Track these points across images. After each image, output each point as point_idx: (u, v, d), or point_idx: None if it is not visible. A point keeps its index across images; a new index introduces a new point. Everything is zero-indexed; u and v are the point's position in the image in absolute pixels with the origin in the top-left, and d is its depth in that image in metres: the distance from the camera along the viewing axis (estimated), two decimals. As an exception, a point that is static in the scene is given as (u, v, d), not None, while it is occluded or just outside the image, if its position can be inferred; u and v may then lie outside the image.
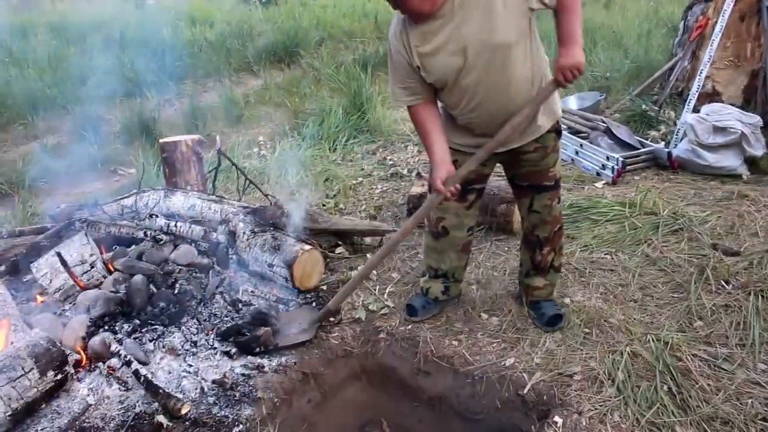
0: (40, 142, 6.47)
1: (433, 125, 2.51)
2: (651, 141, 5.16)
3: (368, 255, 3.64)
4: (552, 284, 2.94)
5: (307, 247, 3.25)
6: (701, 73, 5.09)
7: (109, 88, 7.07)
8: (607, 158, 4.71)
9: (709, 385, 2.38)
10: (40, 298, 3.12)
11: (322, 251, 3.44)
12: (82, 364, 2.65)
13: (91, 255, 3.28)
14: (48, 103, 7.26)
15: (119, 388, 2.53)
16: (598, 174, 4.73)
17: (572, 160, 5.09)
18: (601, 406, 2.33)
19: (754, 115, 4.63)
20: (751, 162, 4.49)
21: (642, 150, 4.91)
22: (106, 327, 2.87)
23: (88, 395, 2.49)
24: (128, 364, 2.55)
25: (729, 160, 4.45)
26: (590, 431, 2.24)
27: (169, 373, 2.64)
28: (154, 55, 8.19)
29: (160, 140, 4.39)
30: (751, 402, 2.29)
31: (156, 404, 2.41)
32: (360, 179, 5.07)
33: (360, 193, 4.79)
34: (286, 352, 2.81)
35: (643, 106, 5.84)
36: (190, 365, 2.68)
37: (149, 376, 2.51)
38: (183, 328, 2.90)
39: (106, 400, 2.47)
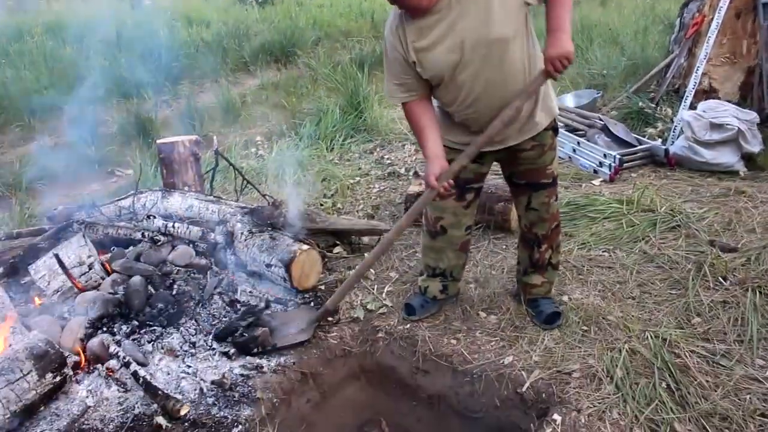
0: (37, 143, 6.46)
1: (427, 121, 2.51)
2: (648, 138, 5.17)
3: (366, 254, 3.63)
4: (550, 282, 2.94)
5: (305, 247, 3.25)
6: (697, 70, 5.10)
7: (105, 89, 7.06)
8: (605, 156, 4.71)
9: (707, 381, 2.39)
10: (38, 300, 3.11)
11: (320, 251, 3.44)
12: (81, 365, 2.65)
13: (89, 256, 3.28)
14: (45, 105, 7.25)
15: (118, 390, 2.53)
16: (595, 171, 4.73)
17: (569, 157, 5.09)
18: (599, 403, 2.34)
19: (750, 111, 4.64)
20: (747, 158, 4.51)
21: (639, 147, 4.92)
22: (105, 328, 2.86)
23: (87, 397, 2.49)
24: (127, 365, 2.55)
25: (726, 157, 4.46)
26: (589, 429, 2.24)
27: (168, 374, 2.63)
28: (150, 55, 8.19)
29: (157, 141, 4.39)
30: (750, 398, 2.29)
31: (155, 405, 2.41)
32: (357, 179, 5.07)
33: (357, 193, 4.79)
34: (285, 352, 2.81)
35: (640, 104, 5.85)
36: (189, 366, 2.68)
37: (148, 377, 2.50)
38: (181, 329, 2.90)
39: (105, 402, 2.47)
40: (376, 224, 3.88)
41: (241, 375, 2.64)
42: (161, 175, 4.31)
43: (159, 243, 3.52)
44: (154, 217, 3.64)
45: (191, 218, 3.73)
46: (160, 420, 2.35)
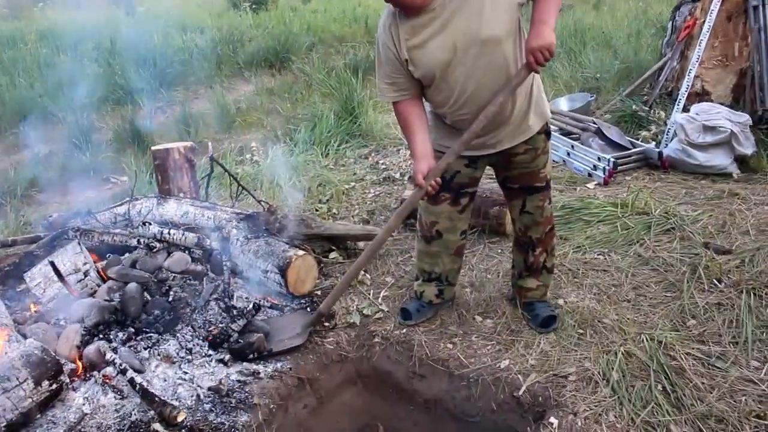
0: (32, 151, 6.44)
1: (416, 120, 2.52)
2: (642, 141, 5.19)
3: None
4: (545, 285, 2.95)
5: (301, 252, 3.25)
6: (690, 72, 5.14)
7: (100, 95, 7.04)
8: (599, 159, 4.73)
9: (703, 383, 2.40)
10: (33, 308, 3.10)
11: (315, 256, 3.44)
12: (77, 373, 2.64)
13: (85, 264, 3.27)
14: (39, 112, 7.23)
15: (115, 397, 2.52)
16: (589, 175, 4.75)
17: (563, 161, 5.11)
18: (596, 406, 2.35)
19: (743, 113, 4.67)
20: (741, 160, 4.53)
21: (633, 150, 4.94)
22: (101, 336, 2.85)
23: (84, 404, 2.48)
24: (123, 372, 2.54)
25: (719, 159, 4.48)
26: None
27: (165, 380, 2.63)
28: (145, 62, 8.17)
29: (152, 147, 4.38)
30: (745, 399, 2.30)
31: (152, 412, 2.40)
32: (352, 184, 5.08)
33: (353, 198, 4.80)
34: (281, 358, 2.81)
35: (634, 107, 5.88)
36: (186, 372, 2.68)
37: (145, 384, 2.50)
38: (178, 335, 2.90)
39: (102, 409, 2.46)
40: (371, 229, 3.88)
41: (238, 381, 2.64)
42: (156, 182, 4.31)
43: (155, 250, 3.52)
44: (150, 224, 3.63)
45: (187, 225, 3.73)
46: (157, 427, 2.34)
